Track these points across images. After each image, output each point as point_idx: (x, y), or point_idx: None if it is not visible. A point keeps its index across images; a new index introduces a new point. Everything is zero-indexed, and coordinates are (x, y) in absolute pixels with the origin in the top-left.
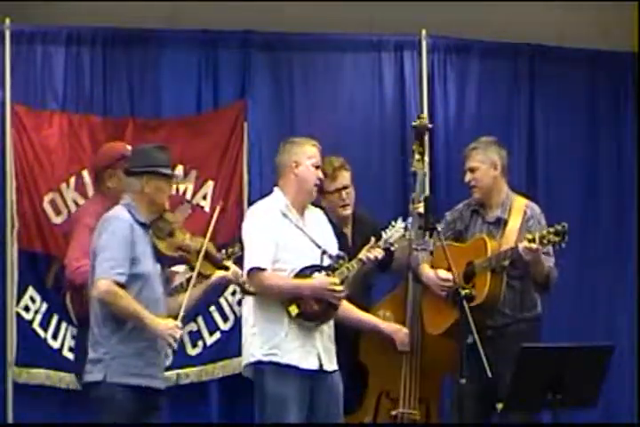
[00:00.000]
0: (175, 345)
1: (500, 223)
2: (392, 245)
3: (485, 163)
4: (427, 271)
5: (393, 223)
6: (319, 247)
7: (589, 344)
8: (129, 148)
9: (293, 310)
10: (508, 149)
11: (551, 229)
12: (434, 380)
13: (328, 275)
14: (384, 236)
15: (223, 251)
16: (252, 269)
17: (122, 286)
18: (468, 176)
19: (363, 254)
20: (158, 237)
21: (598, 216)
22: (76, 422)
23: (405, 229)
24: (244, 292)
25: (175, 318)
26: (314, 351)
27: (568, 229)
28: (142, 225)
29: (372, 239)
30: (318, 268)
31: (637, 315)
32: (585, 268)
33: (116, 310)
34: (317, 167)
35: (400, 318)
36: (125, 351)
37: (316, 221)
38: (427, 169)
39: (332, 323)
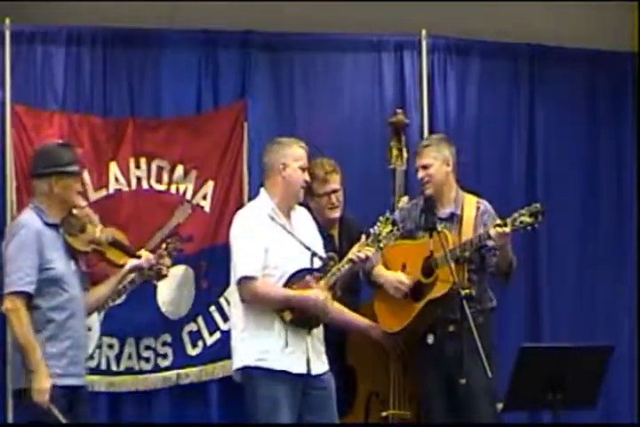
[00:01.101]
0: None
1: (454, 219)
2: (381, 241)
3: (438, 159)
4: (384, 274)
5: (381, 218)
6: (309, 249)
7: (589, 344)
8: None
9: (287, 315)
10: (508, 148)
11: (524, 211)
12: None
13: (318, 278)
14: (372, 232)
15: (163, 245)
16: (242, 279)
17: (30, 296)
18: (421, 173)
19: (353, 254)
20: (70, 235)
21: (598, 216)
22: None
23: (393, 223)
24: (160, 277)
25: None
26: (304, 356)
27: (543, 209)
28: (52, 226)
29: (363, 237)
30: (309, 271)
31: (637, 315)
32: (585, 268)
33: (12, 329)
34: (304, 170)
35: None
36: (48, 353)
37: (302, 222)
38: (405, 166)
39: (321, 326)
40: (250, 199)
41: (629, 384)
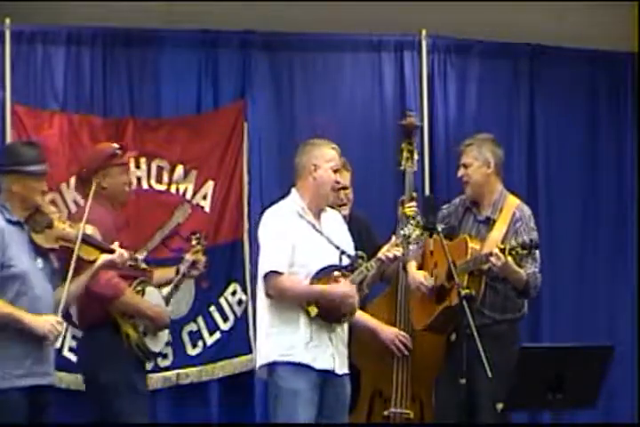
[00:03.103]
0: (57, 341)
1: (489, 223)
2: (410, 243)
3: (478, 160)
4: (410, 270)
5: (412, 221)
6: (337, 248)
7: (589, 344)
8: (116, 146)
9: (312, 310)
10: (508, 149)
11: (519, 241)
12: (427, 378)
13: (345, 275)
14: (402, 233)
15: (194, 242)
16: (267, 273)
17: None
18: (461, 171)
19: (382, 254)
20: (36, 232)
21: (598, 217)
22: (76, 422)
23: (424, 227)
24: (137, 268)
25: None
26: (328, 352)
27: (537, 243)
28: (16, 223)
29: (393, 238)
30: (337, 267)
31: (637, 315)
32: (585, 268)
33: None
34: (336, 171)
35: (390, 319)
36: (10, 354)
37: (333, 223)
38: (416, 168)
39: (346, 327)
40: (250, 199)
41: (629, 384)
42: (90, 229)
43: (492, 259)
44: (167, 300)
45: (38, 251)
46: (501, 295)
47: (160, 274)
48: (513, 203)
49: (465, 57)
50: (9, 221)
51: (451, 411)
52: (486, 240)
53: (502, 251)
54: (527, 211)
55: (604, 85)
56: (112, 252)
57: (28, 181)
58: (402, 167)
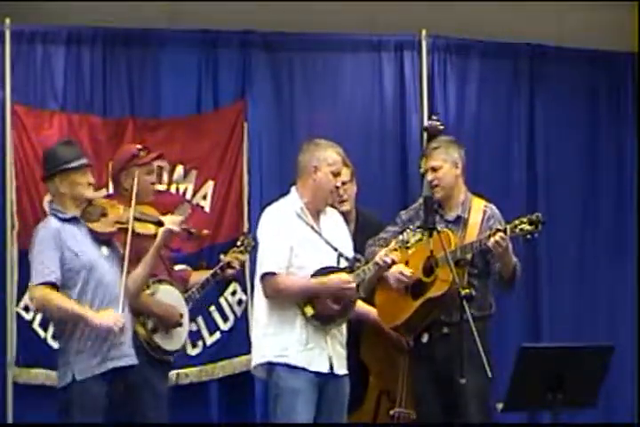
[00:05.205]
0: (122, 333)
1: (460, 222)
2: (409, 248)
3: (447, 162)
4: None
5: (411, 226)
6: (335, 250)
7: (589, 344)
8: (139, 146)
9: (309, 310)
10: (508, 148)
11: (524, 219)
12: None
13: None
14: (401, 238)
15: (238, 242)
16: (265, 275)
17: (56, 286)
18: (431, 175)
19: (379, 258)
20: (91, 221)
21: (598, 216)
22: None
23: (423, 231)
24: (190, 232)
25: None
26: (324, 354)
27: (542, 219)
28: (72, 220)
29: (393, 242)
30: (334, 269)
31: (637, 315)
32: (585, 268)
33: (52, 312)
34: (336, 175)
35: None
36: (87, 343)
37: (332, 224)
38: None
39: (344, 329)
40: (250, 199)
41: (629, 384)
42: (147, 209)
43: (493, 240)
44: (191, 299)
45: (101, 240)
46: (477, 291)
47: (197, 276)
48: (480, 202)
49: (465, 57)
50: (63, 220)
51: (433, 411)
52: (465, 234)
53: (504, 231)
54: (496, 209)
55: (604, 85)
56: (163, 223)
57: (73, 177)
58: (422, 170)
